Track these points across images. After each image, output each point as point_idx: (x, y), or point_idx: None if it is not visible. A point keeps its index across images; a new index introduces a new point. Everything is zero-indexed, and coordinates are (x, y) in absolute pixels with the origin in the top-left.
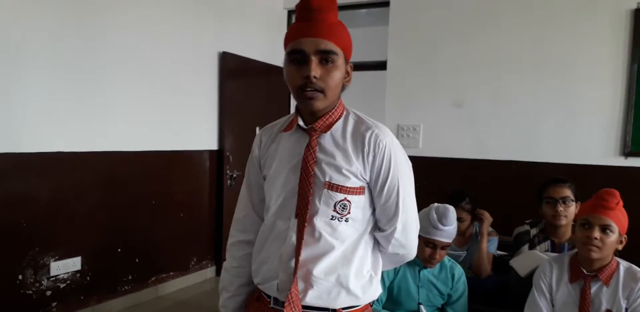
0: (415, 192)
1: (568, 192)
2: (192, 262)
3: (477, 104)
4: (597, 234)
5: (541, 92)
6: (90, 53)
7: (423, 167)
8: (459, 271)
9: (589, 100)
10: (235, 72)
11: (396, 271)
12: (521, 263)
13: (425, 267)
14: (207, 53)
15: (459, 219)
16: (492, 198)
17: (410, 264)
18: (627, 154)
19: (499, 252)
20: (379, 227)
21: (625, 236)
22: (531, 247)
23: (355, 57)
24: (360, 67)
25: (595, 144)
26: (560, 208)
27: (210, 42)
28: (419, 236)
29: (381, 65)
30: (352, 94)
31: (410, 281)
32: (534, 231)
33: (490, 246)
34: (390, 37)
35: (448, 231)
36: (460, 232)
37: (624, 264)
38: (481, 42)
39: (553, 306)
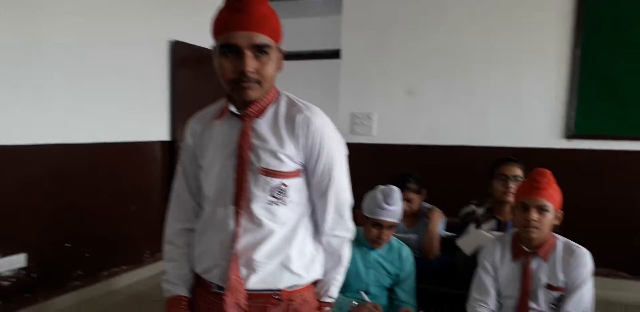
0: (370, 177)
1: (519, 172)
2: (146, 255)
3: (429, 92)
4: (534, 215)
5: (489, 78)
6: (27, 39)
7: (377, 154)
8: (406, 251)
9: (534, 85)
10: (187, 61)
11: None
12: (467, 242)
13: (373, 249)
14: (156, 42)
15: (408, 200)
16: (444, 182)
17: (359, 246)
18: (570, 136)
19: (447, 233)
20: (314, 207)
21: (561, 211)
22: (477, 226)
23: (309, 46)
24: (314, 55)
25: (541, 128)
26: (512, 185)
27: (159, 31)
28: (366, 218)
29: (335, 54)
30: (305, 82)
31: (359, 263)
32: (480, 211)
33: (439, 226)
34: (344, 26)
35: (393, 210)
36: (409, 214)
37: (561, 240)
38: (432, 32)
39: (498, 283)
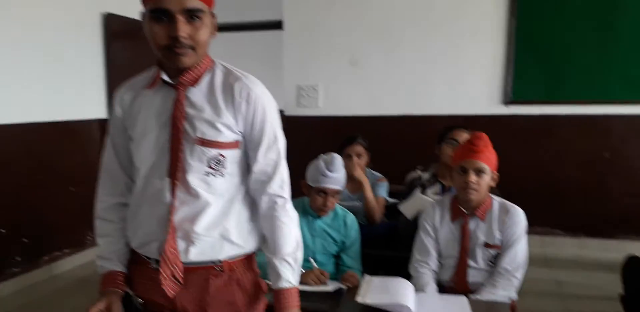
0: (317, 150)
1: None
2: (88, 237)
3: (373, 63)
4: (473, 178)
5: (430, 48)
6: None
7: (324, 126)
8: (351, 218)
9: (473, 54)
10: (121, 34)
11: None
12: (409, 207)
13: (318, 217)
14: (88, 15)
15: (358, 156)
16: (391, 152)
17: (304, 214)
18: (508, 102)
19: (392, 200)
20: (254, 178)
21: (497, 173)
22: (423, 191)
23: (250, 17)
24: (255, 27)
25: (480, 95)
26: None
27: (91, 4)
28: (310, 187)
29: (277, 25)
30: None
31: (306, 232)
32: (425, 176)
33: (380, 190)
34: None
35: (336, 177)
36: (352, 178)
37: (497, 200)
38: (374, 2)
39: (439, 244)
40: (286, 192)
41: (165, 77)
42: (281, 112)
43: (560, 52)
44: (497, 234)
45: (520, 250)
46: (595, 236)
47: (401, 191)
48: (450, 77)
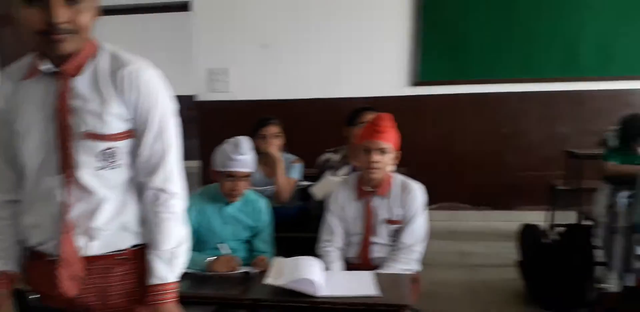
0: (229, 135)
1: None
2: None
3: (283, 45)
4: (376, 157)
5: (339, 31)
6: None
7: (236, 111)
8: (262, 202)
9: (380, 36)
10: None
11: (199, 211)
12: (319, 188)
13: (228, 203)
14: None
15: (273, 136)
16: (304, 135)
17: (214, 201)
18: (416, 83)
19: (306, 183)
20: (139, 169)
21: (399, 151)
22: (333, 173)
23: None
24: (160, 8)
25: (389, 77)
26: None
27: None
28: (219, 172)
29: (183, 7)
30: (152, 38)
31: (215, 219)
32: (335, 158)
33: (293, 172)
34: None
35: (244, 160)
36: (267, 161)
37: (398, 178)
38: None
39: (347, 222)
40: (173, 186)
41: (45, 68)
42: (191, 97)
43: (464, 33)
44: (398, 211)
45: (419, 225)
46: (496, 207)
47: (314, 174)
48: (359, 60)
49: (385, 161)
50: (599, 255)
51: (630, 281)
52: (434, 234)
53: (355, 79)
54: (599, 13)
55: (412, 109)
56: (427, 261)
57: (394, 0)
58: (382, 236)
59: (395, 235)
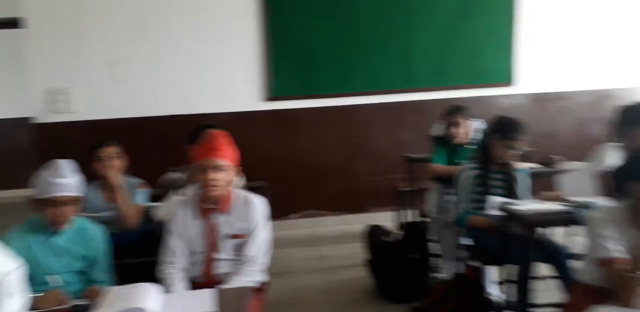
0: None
1: None
2: None
3: (133, 63)
4: (212, 175)
5: (192, 49)
6: None
7: (81, 132)
8: (96, 230)
9: (233, 53)
10: None
11: (21, 244)
12: (163, 209)
13: (56, 234)
14: None
15: (111, 158)
16: (154, 154)
17: (39, 232)
18: (269, 99)
19: (155, 204)
20: None
21: (240, 166)
22: (178, 193)
23: None
24: None
25: (243, 92)
26: None
27: None
28: (40, 200)
29: (13, 24)
30: None
31: (42, 251)
32: (179, 177)
33: (138, 197)
34: None
35: (66, 183)
36: (107, 185)
37: (238, 193)
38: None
39: (190, 242)
40: None
41: None
42: (27, 119)
43: (312, 50)
44: (242, 224)
45: (261, 236)
46: (353, 211)
47: (158, 194)
48: (211, 77)
49: (224, 178)
50: (436, 248)
51: (460, 269)
52: (296, 242)
53: (207, 95)
54: (429, 29)
55: (269, 123)
56: (288, 268)
57: (241, 18)
58: (226, 252)
59: (241, 249)
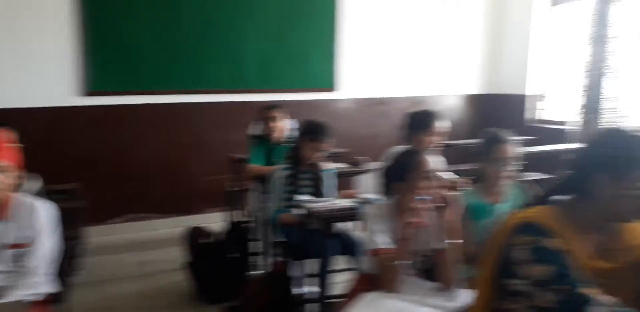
0: None
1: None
2: None
3: None
4: None
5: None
6: None
7: None
8: None
9: (49, 48)
10: None
11: None
12: None
13: None
14: None
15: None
16: None
17: None
18: (88, 93)
19: None
20: None
21: (24, 170)
22: None
23: None
24: None
25: (60, 88)
26: None
27: None
28: None
29: None
30: None
31: None
32: None
33: None
34: None
35: None
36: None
37: (23, 198)
38: None
39: None
40: None
41: None
42: None
43: (135, 46)
44: (25, 233)
45: (45, 245)
46: (184, 213)
47: None
48: (27, 71)
49: (2, 181)
50: (258, 247)
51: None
52: (118, 248)
53: (23, 89)
54: (259, 32)
55: (87, 120)
56: (106, 276)
57: (59, 14)
58: (4, 263)
59: (21, 260)
